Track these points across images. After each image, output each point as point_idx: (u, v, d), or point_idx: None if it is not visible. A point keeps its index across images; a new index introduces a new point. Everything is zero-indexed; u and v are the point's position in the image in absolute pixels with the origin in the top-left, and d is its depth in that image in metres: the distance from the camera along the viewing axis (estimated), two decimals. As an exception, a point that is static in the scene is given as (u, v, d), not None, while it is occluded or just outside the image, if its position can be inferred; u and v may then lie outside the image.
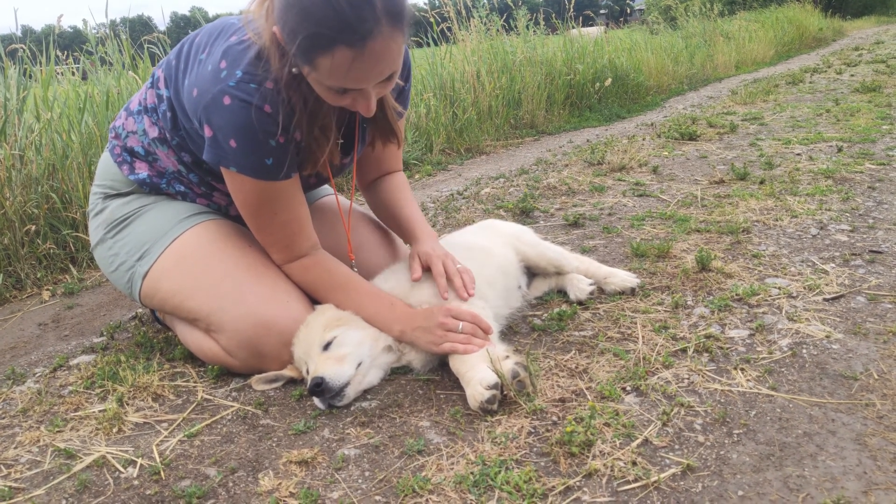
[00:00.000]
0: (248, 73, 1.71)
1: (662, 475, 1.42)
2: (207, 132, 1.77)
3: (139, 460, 1.61)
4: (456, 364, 1.79)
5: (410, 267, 2.05)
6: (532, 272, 2.44)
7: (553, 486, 1.41)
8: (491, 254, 2.26)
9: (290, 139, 1.80)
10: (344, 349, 1.82)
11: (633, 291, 2.37)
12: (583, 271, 2.43)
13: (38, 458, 1.66)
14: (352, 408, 1.79)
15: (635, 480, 1.41)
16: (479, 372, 1.72)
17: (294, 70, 1.67)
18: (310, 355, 1.83)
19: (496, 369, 1.70)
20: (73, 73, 4.54)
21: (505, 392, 1.70)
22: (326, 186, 2.51)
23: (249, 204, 1.88)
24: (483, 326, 1.86)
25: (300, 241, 1.97)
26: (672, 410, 1.65)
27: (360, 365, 1.82)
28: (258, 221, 1.92)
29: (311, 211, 2.38)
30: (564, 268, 2.41)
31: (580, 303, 2.34)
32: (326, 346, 1.82)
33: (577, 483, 1.42)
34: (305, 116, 1.78)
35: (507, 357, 1.75)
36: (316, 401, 1.79)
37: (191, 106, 1.80)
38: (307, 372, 1.83)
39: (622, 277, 2.40)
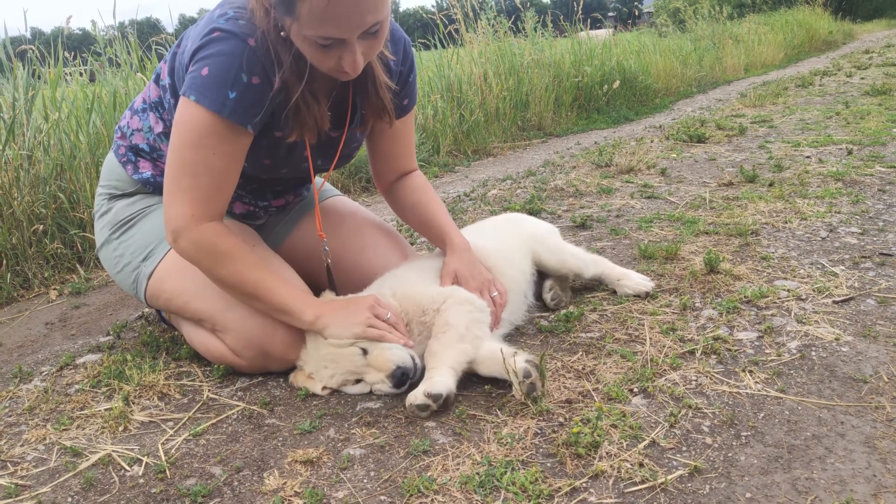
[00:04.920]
0: (239, 12, 1.72)
1: (670, 477, 1.41)
2: (189, 69, 1.73)
3: (145, 459, 1.61)
4: (428, 357, 1.79)
5: (442, 281, 2.03)
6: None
7: (559, 487, 1.40)
8: (503, 269, 2.19)
9: (265, 85, 1.74)
10: (381, 342, 1.81)
11: (645, 295, 2.36)
12: (598, 275, 2.40)
13: (44, 456, 1.66)
14: (357, 408, 1.79)
15: (642, 482, 1.40)
16: (438, 373, 1.72)
17: (282, 34, 1.67)
18: (357, 366, 1.82)
19: (508, 368, 1.68)
20: (81, 75, 4.56)
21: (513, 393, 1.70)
22: (329, 188, 2.50)
23: (190, 133, 1.75)
24: (401, 330, 1.85)
25: (220, 200, 1.83)
26: (680, 412, 1.64)
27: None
28: (189, 155, 1.76)
29: (314, 214, 2.38)
30: (583, 277, 2.39)
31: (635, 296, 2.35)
32: (365, 353, 1.81)
33: (584, 484, 1.41)
34: (296, 74, 1.75)
35: (516, 353, 1.72)
36: (397, 390, 1.78)
37: (186, 62, 1.76)
38: (355, 382, 1.84)
39: (636, 281, 2.37)
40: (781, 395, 1.70)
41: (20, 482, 1.56)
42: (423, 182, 2.27)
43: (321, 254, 2.11)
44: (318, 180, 2.29)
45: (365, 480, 1.48)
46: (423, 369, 1.78)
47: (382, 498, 1.42)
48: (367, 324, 1.81)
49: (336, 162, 2.10)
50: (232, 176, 1.83)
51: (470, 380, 1.84)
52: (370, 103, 1.97)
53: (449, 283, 2.01)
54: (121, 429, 1.75)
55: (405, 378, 1.75)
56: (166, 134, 2.02)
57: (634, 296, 2.35)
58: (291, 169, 2.06)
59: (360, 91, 1.96)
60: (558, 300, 2.32)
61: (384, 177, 2.28)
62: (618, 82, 7.78)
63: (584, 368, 1.89)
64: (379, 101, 1.95)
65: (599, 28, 11.68)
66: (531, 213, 3.59)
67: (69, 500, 1.49)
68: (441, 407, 1.70)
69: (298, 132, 1.86)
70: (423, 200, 2.22)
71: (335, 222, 2.30)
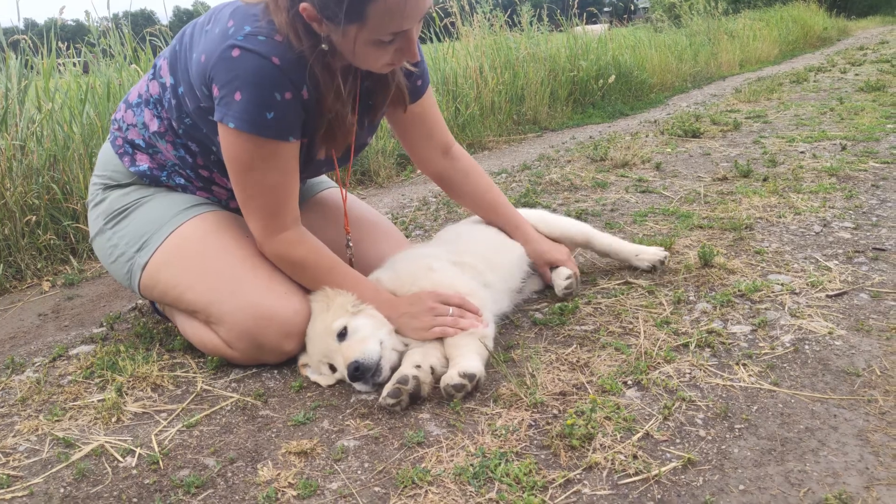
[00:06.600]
0: (257, 28, 1.72)
1: (663, 469, 1.41)
2: (216, 91, 1.74)
3: (138, 450, 1.61)
4: (449, 349, 1.81)
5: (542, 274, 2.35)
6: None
7: (553, 479, 1.40)
8: (494, 259, 2.21)
9: (297, 98, 1.76)
10: (361, 333, 1.81)
11: (661, 264, 2.48)
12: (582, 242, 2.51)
13: (36, 447, 1.65)
14: (351, 399, 1.79)
15: (636, 474, 1.41)
16: (465, 359, 1.75)
17: (324, 46, 1.68)
18: (329, 349, 1.83)
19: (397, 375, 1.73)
20: (75, 65, 4.53)
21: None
22: (326, 180, 2.50)
23: (241, 161, 1.81)
24: (471, 309, 1.88)
25: (286, 211, 1.89)
26: (673, 405, 1.64)
27: (381, 343, 1.81)
28: (246, 179, 1.83)
29: (311, 204, 2.38)
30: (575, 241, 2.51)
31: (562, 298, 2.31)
32: (341, 335, 1.82)
33: (578, 476, 1.41)
34: (332, 91, 1.77)
35: (419, 367, 1.75)
36: (359, 387, 1.79)
37: (199, 73, 1.77)
38: (331, 370, 1.85)
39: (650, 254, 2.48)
40: (775, 388, 1.71)
41: (12, 473, 1.55)
42: (470, 164, 2.33)
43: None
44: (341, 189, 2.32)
45: (359, 472, 1.48)
46: (393, 370, 1.78)
47: (376, 489, 1.42)
48: (433, 324, 1.84)
49: (353, 154, 2.12)
50: (291, 183, 1.88)
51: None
52: (386, 89, 1.99)
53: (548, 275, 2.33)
54: (114, 420, 1.75)
55: (357, 375, 1.74)
56: (161, 134, 2.01)
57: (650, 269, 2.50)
58: (312, 172, 2.08)
59: (378, 78, 1.96)
60: (571, 291, 2.29)
61: (430, 162, 2.29)
62: (613, 77, 7.77)
63: (578, 361, 1.89)
64: (394, 84, 1.98)
65: (595, 23, 11.68)
66: (526, 206, 3.59)
67: (61, 490, 1.48)
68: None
69: (327, 149, 1.91)
70: (483, 189, 2.33)
71: (334, 214, 2.30)
